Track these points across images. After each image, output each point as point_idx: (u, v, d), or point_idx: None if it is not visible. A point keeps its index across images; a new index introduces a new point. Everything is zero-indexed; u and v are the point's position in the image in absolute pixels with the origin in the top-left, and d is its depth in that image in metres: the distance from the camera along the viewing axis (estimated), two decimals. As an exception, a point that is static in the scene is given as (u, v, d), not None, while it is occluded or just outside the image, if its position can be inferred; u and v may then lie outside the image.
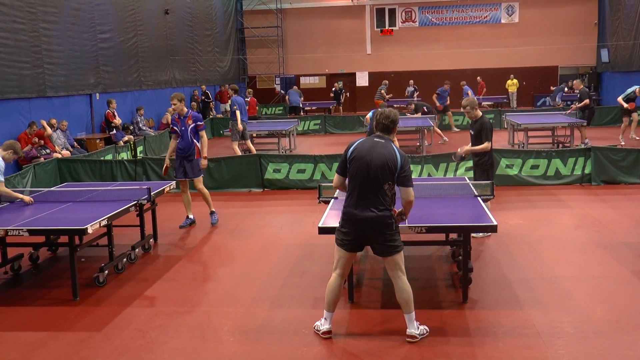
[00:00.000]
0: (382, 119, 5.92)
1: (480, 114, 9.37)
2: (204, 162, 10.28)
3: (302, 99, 28.72)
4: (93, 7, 18.68)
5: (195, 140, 10.15)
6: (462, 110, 9.63)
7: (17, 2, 14.92)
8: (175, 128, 10.22)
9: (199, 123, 10.16)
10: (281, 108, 30.56)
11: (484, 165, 9.32)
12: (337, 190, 7.13)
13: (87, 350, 5.88)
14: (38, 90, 15.68)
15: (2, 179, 8.16)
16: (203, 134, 10.24)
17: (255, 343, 5.94)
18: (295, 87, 29.45)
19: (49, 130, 15.25)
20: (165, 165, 10.41)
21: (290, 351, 5.73)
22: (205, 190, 10.40)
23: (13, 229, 6.97)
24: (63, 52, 16.85)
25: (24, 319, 6.70)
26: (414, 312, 5.83)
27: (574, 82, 21.69)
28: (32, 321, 6.63)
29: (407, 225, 6.43)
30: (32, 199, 8.40)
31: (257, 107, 24.04)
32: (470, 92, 24.97)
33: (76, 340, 6.10)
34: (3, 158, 8.23)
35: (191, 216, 10.51)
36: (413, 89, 29.79)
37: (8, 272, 8.21)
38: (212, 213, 10.61)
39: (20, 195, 8.35)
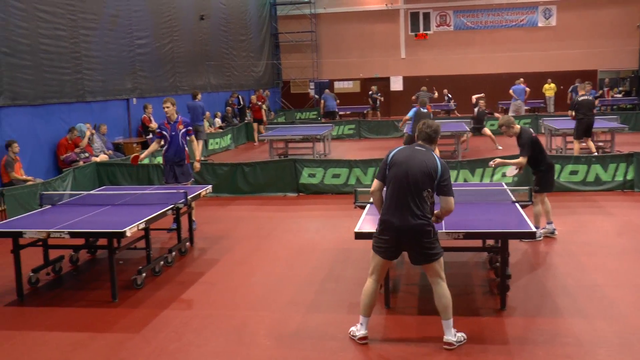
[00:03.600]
0: (425, 128, 5.90)
1: (519, 128, 9.23)
2: (197, 165, 10.49)
3: (338, 102, 28.66)
4: (130, 14, 18.94)
5: (185, 145, 10.23)
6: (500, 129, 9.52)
7: (59, 10, 15.19)
8: (164, 132, 10.20)
9: (189, 128, 10.26)
10: (315, 112, 30.59)
11: (541, 174, 9.23)
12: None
13: (125, 352, 5.94)
14: (77, 95, 15.93)
15: None
16: (193, 138, 10.37)
17: (291, 347, 5.94)
18: (327, 91, 29.17)
19: (85, 139, 15.24)
20: (137, 155, 10.46)
21: (326, 356, 5.72)
22: None
23: (55, 231, 7.08)
24: (101, 57, 17.11)
25: (65, 319, 6.80)
26: (451, 319, 5.77)
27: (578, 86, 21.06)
28: (73, 322, 6.72)
29: (444, 231, 6.39)
30: None
31: (262, 111, 24.23)
32: (523, 89, 24.46)
33: (115, 342, 6.17)
34: None
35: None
36: (447, 97, 29.67)
37: (50, 274, 8.35)
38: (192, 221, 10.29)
39: None
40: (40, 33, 14.39)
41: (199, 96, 19.69)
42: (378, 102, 30.38)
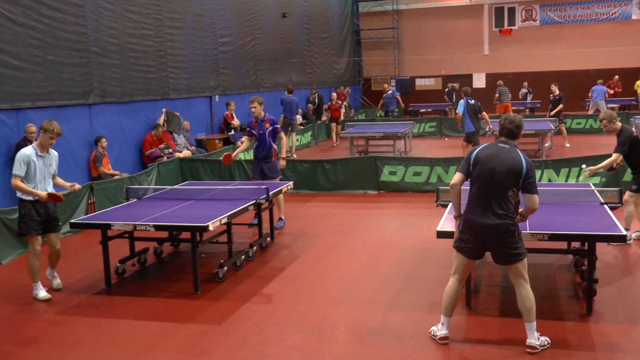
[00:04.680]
0: (507, 123, 5.75)
1: (620, 125, 8.88)
2: (282, 163, 10.44)
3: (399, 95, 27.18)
4: (214, 13, 19.30)
5: (272, 143, 10.28)
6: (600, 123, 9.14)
7: (146, 10, 15.63)
8: (252, 131, 10.36)
9: (276, 126, 10.30)
10: (396, 110, 30.35)
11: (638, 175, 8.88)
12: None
13: (207, 343, 6.06)
14: (162, 92, 16.36)
15: (18, 173, 7.17)
16: (281, 135, 10.38)
17: (371, 345, 5.91)
18: (390, 91, 26.87)
19: (161, 119, 15.71)
20: (229, 154, 10.52)
21: (406, 355, 5.66)
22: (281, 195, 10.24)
23: (141, 224, 7.29)
24: (186, 56, 17.51)
25: (150, 309, 7.00)
26: (535, 322, 5.61)
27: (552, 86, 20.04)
28: (157, 312, 6.91)
29: (528, 232, 6.21)
30: (45, 195, 7.27)
31: (341, 110, 23.55)
32: (603, 90, 23.68)
33: (197, 333, 6.30)
34: (38, 145, 7.34)
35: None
36: (527, 90, 28.81)
37: (135, 265, 8.62)
38: (280, 219, 10.58)
39: (35, 191, 7.24)
40: (128, 33, 14.85)
41: (293, 91, 20.66)
42: (454, 97, 29.72)
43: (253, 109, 10.22)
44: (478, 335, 6.04)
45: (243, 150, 10.81)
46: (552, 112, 19.14)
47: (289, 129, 19.61)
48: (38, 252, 7.36)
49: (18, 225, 7.43)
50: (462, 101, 15.36)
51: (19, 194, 7.31)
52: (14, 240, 9.37)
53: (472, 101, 15.25)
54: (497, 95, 24.81)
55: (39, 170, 7.31)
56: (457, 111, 15.69)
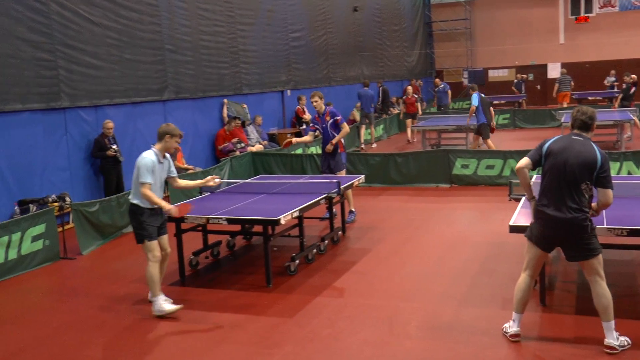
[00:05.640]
0: (579, 115, 5.58)
1: None
2: (329, 147, 10.29)
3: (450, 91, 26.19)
4: (286, 8, 19.45)
5: (336, 135, 10.27)
6: None
7: (218, 7, 15.89)
8: (316, 126, 10.46)
9: (336, 117, 10.30)
10: (468, 102, 29.84)
11: None
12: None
13: (279, 335, 6.12)
14: (235, 88, 16.61)
15: (148, 181, 6.69)
16: (344, 125, 10.36)
17: (443, 340, 5.84)
18: (442, 84, 25.65)
19: (224, 109, 15.98)
20: (290, 140, 10.77)
21: (477, 352, 5.56)
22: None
23: (214, 217, 7.41)
24: (257, 51, 17.71)
25: (223, 301, 7.11)
26: (613, 321, 5.40)
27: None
28: (230, 304, 7.01)
29: (605, 227, 6.00)
30: (176, 210, 6.89)
31: (418, 104, 21.84)
32: None
33: (269, 325, 6.37)
34: (161, 151, 6.94)
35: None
36: (614, 79, 27.77)
37: (209, 257, 8.79)
38: (350, 212, 10.58)
39: (167, 206, 6.80)
40: (200, 30, 15.13)
41: (369, 85, 21.03)
42: (523, 88, 28.94)
43: (314, 103, 10.34)
44: (553, 334, 5.87)
45: (303, 141, 11.27)
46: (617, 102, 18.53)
47: (367, 121, 20.28)
48: (159, 257, 6.84)
49: (137, 233, 6.81)
50: (475, 94, 15.91)
51: (135, 200, 6.78)
52: (94, 232, 9.73)
53: (484, 95, 15.91)
54: (556, 85, 24.07)
55: (159, 178, 6.88)
56: (472, 104, 16.01)
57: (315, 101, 10.31)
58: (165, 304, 6.76)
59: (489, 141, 15.81)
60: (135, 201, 6.79)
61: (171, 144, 6.91)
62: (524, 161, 5.65)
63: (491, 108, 16.09)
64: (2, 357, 5.99)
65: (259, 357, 5.72)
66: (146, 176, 6.65)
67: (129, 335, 6.40)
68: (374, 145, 20.38)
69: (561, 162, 5.39)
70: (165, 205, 6.79)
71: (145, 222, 6.76)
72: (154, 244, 6.83)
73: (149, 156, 6.76)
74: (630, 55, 30.85)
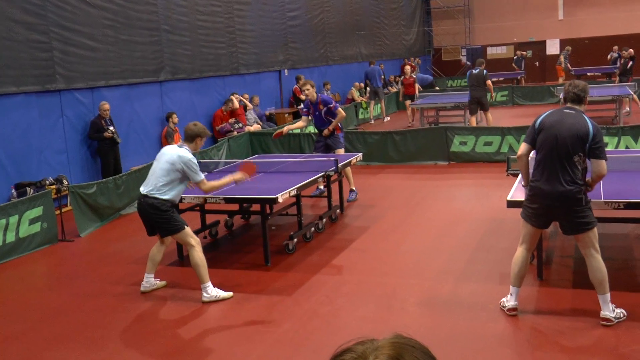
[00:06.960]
0: (571, 88, 5.58)
1: None
2: (325, 132, 10.27)
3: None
4: (283, -14, 19.31)
5: (332, 120, 10.21)
6: None
7: (214, -14, 15.77)
8: (308, 111, 10.40)
9: (329, 105, 10.22)
10: (466, 80, 29.72)
11: None
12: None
13: (278, 313, 6.13)
14: (232, 68, 16.52)
15: (202, 177, 6.65)
16: (339, 111, 10.27)
17: (441, 316, 5.86)
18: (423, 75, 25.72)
19: (250, 105, 16.11)
20: (280, 131, 10.74)
21: (476, 326, 5.58)
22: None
23: (211, 197, 7.39)
24: (254, 31, 17.59)
25: (222, 280, 7.10)
26: (608, 294, 5.42)
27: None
28: (229, 283, 7.01)
29: (602, 200, 5.99)
30: (243, 174, 6.88)
31: (416, 85, 20.72)
32: None
33: (269, 303, 6.38)
34: (192, 149, 6.79)
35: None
36: (617, 55, 27.61)
37: (207, 237, 8.78)
38: (351, 191, 10.51)
39: (228, 178, 6.83)
40: (197, 10, 15.01)
41: (375, 63, 22.58)
42: (523, 65, 28.80)
43: (306, 92, 10.26)
44: (550, 307, 5.90)
45: (296, 128, 11.00)
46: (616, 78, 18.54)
47: (376, 96, 20.93)
48: (199, 240, 6.73)
49: (170, 226, 6.59)
50: (468, 72, 16.39)
51: (166, 196, 6.53)
52: (92, 214, 9.72)
53: (476, 71, 15.90)
54: (564, 62, 23.96)
55: None
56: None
57: (307, 89, 10.24)
58: (219, 291, 6.61)
59: (489, 114, 15.93)
60: (165, 197, 6.56)
61: (200, 144, 6.87)
62: (523, 148, 5.65)
63: (488, 81, 16.10)
64: (2, 339, 6.00)
65: (258, 335, 5.73)
66: (199, 173, 6.60)
67: (128, 316, 6.41)
68: (387, 119, 21.08)
69: (553, 135, 5.37)
70: (230, 178, 6.76)
71: (174, 214, 6.67)
72: (189, 229, 6.71)
73: (189, 154, 6.61)
74: (630, 31, 30.64)
